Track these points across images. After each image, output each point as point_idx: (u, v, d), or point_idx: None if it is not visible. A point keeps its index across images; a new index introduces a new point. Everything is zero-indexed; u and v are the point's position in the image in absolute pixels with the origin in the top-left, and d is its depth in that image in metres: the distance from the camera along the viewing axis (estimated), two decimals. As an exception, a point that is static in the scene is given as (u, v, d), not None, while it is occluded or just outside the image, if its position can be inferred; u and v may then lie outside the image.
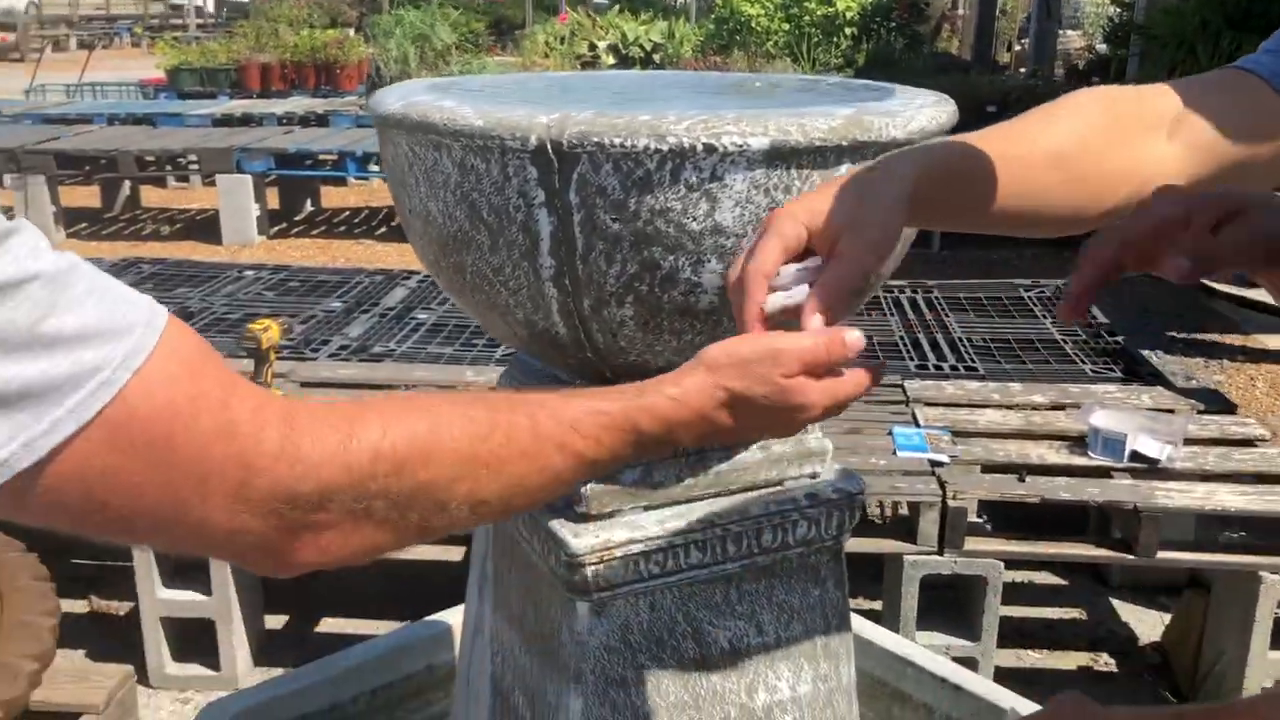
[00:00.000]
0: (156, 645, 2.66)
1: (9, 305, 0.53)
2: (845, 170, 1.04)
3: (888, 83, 1.32)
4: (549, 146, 1.00)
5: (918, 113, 1.09)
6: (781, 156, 1.01)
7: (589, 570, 1.16)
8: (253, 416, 0.62)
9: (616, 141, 0.99)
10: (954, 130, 1.17)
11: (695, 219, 1.02)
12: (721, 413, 0.81)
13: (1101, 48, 10.28)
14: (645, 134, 0.99)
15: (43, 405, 0.55)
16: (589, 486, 1.18)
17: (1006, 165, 0.87)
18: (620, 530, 1.18)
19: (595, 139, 0.99)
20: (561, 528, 1.18)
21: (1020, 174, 0.88)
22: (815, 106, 1.07)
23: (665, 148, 0.99)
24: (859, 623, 2.03)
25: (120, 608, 2.95)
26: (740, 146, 0.99)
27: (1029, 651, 2.83)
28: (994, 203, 0.88)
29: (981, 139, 0.89)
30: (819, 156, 1.02)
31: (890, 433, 2.81)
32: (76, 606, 2.94)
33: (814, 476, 1.31)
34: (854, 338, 0.83)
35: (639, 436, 0.79)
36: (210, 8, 25.44)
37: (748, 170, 1.00)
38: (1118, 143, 0.91)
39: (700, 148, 0.98)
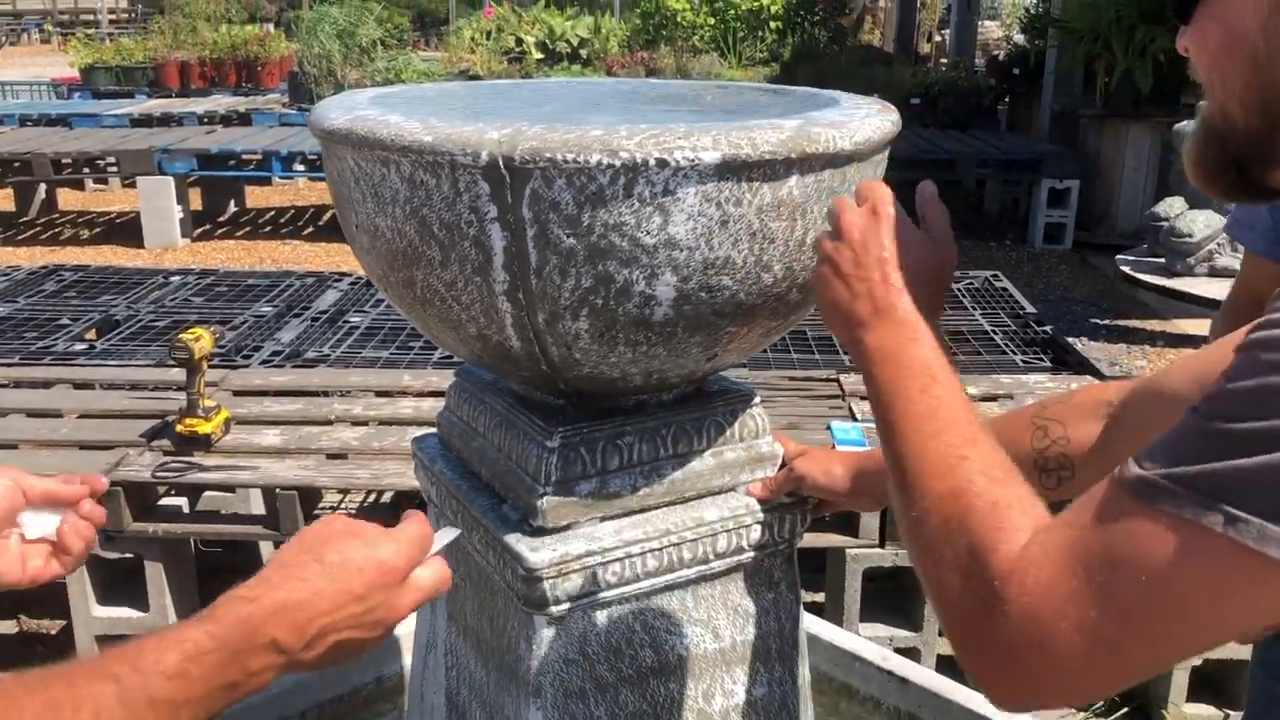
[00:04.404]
0: (92, 664, 2.60)
1: None
2: (794, 182, 1.05)
3: (818, 83, 1.35)
4: (500, 162, 1.00)
5: (863, 123, 1.10)
6: (732, 169, 1.01)
7: (547, 584, 1.16)
8: None
9: (569, 157, 0.99)
10: (896, 138, 1.19)
11: (649, 232, 1.02)
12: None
13: (1019, 39, 10.47)
14: (598, 149, 0.99)
15: None
16: (545, 500, 1.17)
17: None
18: (577, 542, 1.18)
19: (548, 154, 0.99)
20: (518, 542, 1.18)
21: None
22: (761, 119, 1.08)
23: (618, 163, 0.99)
24: (806, 618, 2.06)
25: (52, 627, 2.88)
26: (692, 160, 0.99)
27: (968, 639, 2.88)
28: None
29: None
30: (768, 169, 1.03)
31: (828, 427, 2.84)
32: (4, 627, 2.87)
33: (766, 481, 1.33)
34: None
35: (236, 651, 0.75)
36: (124, 3, 24.81)
37: (699, 183, 1.01)
38: None
39: (653, 162, 0.99)
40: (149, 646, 0.73)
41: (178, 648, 0.73)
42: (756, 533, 1.29)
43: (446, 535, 0.87)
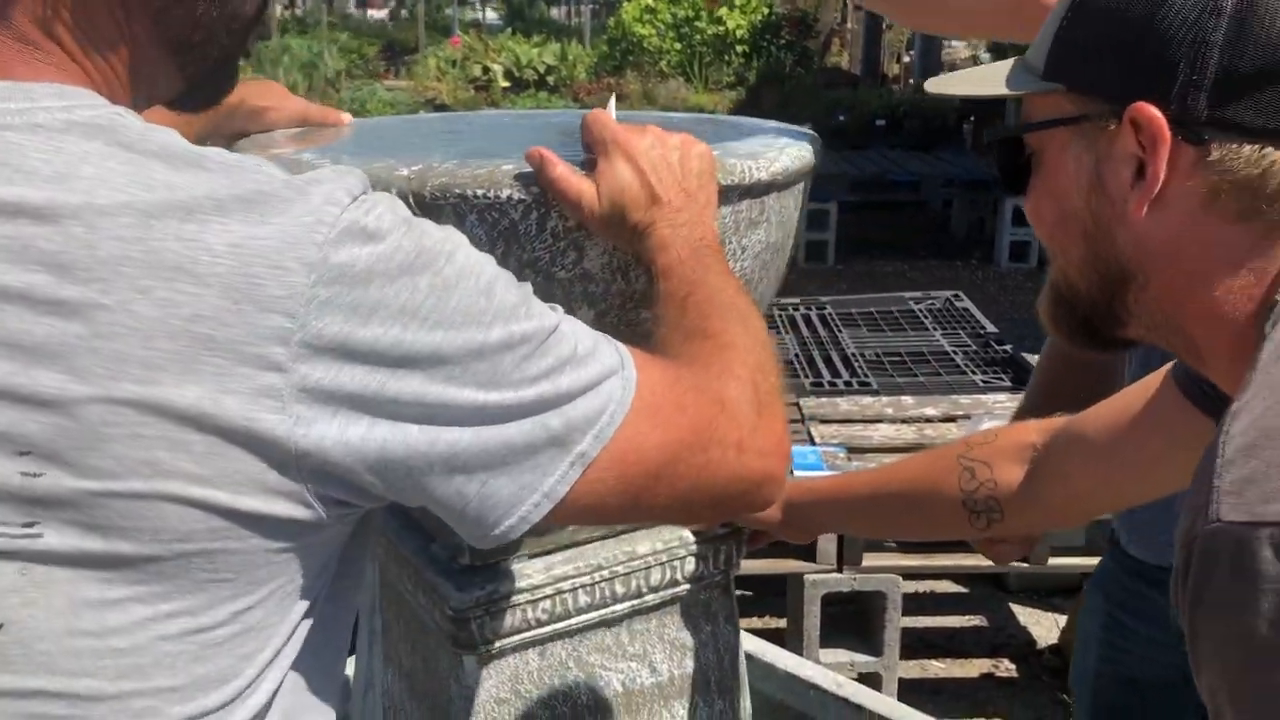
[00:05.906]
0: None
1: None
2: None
3: (783, 106, 1.35)
4: (411, 200, 0.99)
5: (781, 153, 1.10)
6: (647, 202, 1.00)
7: (474, 624, 1.14)
8: (713, 378, 0.81)
9: (480, 193, 0.98)
10: (819, 166, 1.19)
11: (564, 267, 1.01)
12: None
13: (985, 58, 10.57)
14: (508, 185, 0.98)
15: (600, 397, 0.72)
16: (471, 538, 1.16)
17: None
18: (506, 580, 1.16)
19: (458, 190, 0.98)
20: (444, 582, 1.16)
21: None
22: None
23: (529, 198, 0.98)
24: (760, 646, 2.05)
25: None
26: (605, 194, 0.98)
27: (933, 662, 2.87)
28: None
29: None
30: (684, 200, 1.02)
31: (788, 452, 2.83)
32: None
33: (700, 513, 1.31)
34: None
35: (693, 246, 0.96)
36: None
37: (613, 217, 1.00)
38: None
39: (565, 196, 0.98)
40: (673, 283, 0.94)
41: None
42: (691, 565, 1.28)
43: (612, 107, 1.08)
